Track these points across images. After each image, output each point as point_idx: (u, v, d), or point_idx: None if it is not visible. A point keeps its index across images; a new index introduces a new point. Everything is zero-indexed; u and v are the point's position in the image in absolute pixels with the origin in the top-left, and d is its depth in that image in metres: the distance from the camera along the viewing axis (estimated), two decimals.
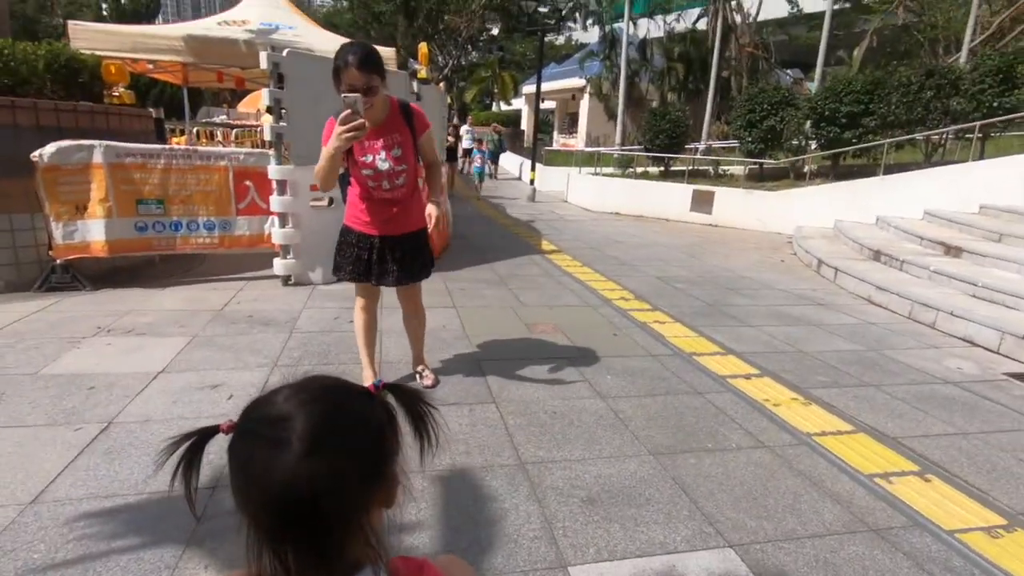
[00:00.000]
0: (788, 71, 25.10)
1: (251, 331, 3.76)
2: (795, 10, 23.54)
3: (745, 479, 2.32)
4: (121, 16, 32.52)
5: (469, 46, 32.70)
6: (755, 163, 11.32)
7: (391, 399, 0.70)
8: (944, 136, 9.37)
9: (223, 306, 4.26)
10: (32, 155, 4.07)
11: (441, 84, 14.65)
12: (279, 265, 4.85)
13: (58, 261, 4.33)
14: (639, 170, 13.26)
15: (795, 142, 10.84)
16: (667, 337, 4.09)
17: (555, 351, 3.70)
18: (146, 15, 35.93)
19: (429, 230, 2.72)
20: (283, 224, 4.80)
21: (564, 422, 2.72)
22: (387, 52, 6.77)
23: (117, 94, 4.93)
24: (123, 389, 2.80)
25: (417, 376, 3.14)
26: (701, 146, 15.10)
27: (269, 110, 4.65)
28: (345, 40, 8.34)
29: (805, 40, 26.40)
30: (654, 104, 23.90)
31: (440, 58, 30.74)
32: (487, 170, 14.74)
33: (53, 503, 1.94)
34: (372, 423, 0.64)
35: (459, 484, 2.19)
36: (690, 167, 12.32)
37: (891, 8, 19.33)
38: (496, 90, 29.43)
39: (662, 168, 13.01)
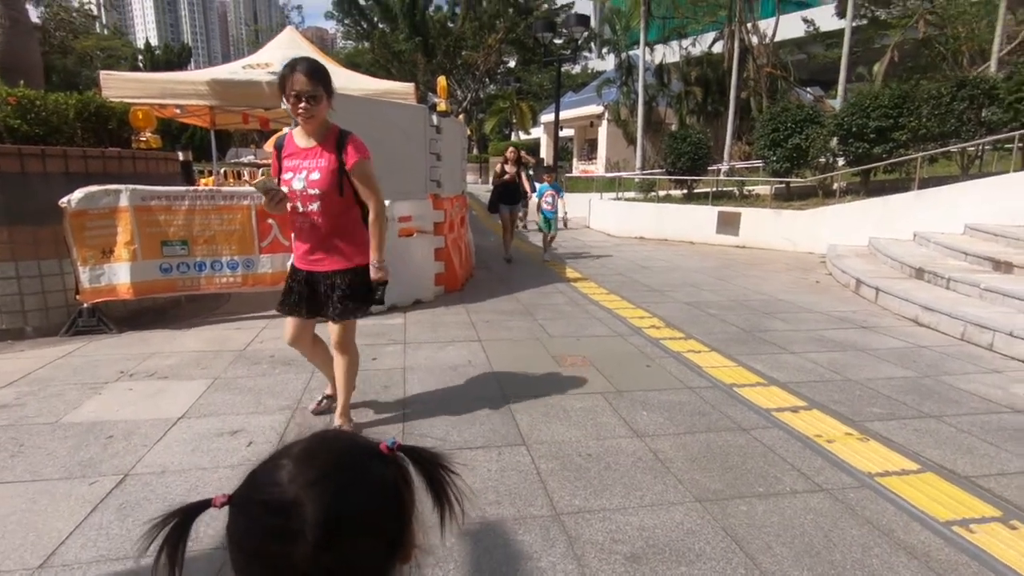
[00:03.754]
0: (808, 89, 24.84)
1: (272, 372, 3.68)
2: (811, 29, 23.48)
3: (805, 529, 2.10)
4: (155, 66, 34.11)
5: (487, 79, 33.39)
6: (781, 182, 11.08)
7: (406, 461, 0.64)
8: (980, 148, 9.04)
9: (245, 346, 4.20)
10: (60, 201, 4.12)
11: (461, 116, 14.75)
12: None
13: (85, 305, 4.35)
14: (662, 193, 13.13)
15: (822, 159, 10.60)
16: (703, 368, 3.88)
17: (586, 385, 3.52)
18: (178, 63, 37.66)
19: (376, 297, 2.73)
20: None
21: (600, 465, 2.53)
22: (406, 87, 6.85)
23: (144, 139, 5.01)
24: (141, 437, 2.72)
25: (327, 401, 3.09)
26: (724, 167, 14.92)
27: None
28: (368, 78, 8.53)
29: (823, 58, 26.24)
30: (673, 127, 23.91)
31: (459, 92, 31.39)
32: (560, 214, 9.08)
33: (61, 567, 1.83)
34: (388, 489, 0.59)
35: (490, 540, 2.02)
36: (714, 188, 12.14)
37: (911, 23, 19.09)
38: (515, 120, 29.80)
39: (685, 191, 12.85)
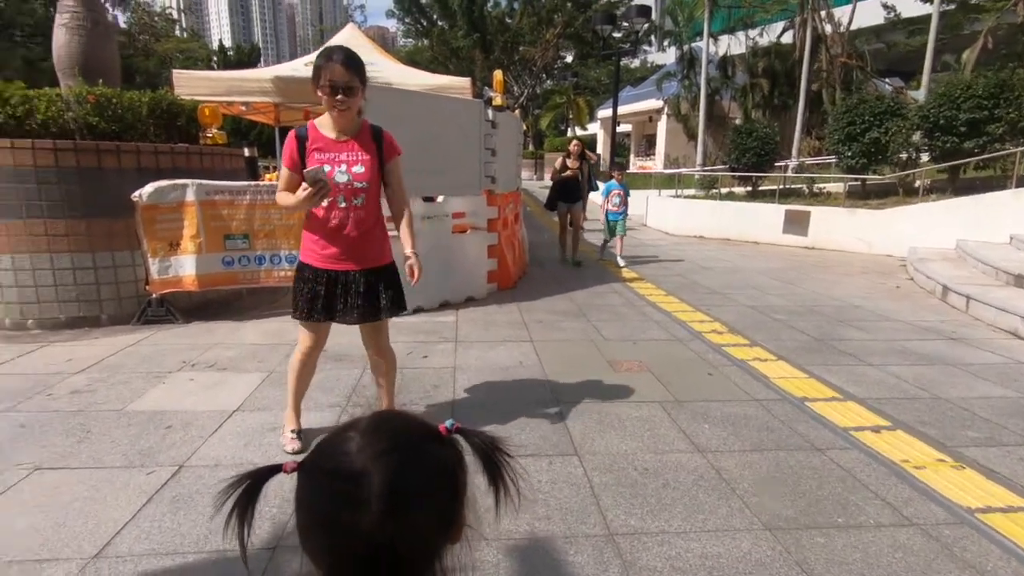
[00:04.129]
0: (886, 80, 23.33)
1: (324, 367, 3.68)
2: (892, 16, 21.98)
3: (894, 569, 1.87)
4: (227, 65, 35.82)
5: (544, 74, 33.15)
6: (856, 179, 10.38)
7: (463, 443, 0.66)
8: None
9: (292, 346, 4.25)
10: (132, 195, 4.29)
11: (517, 111, 14.59)
12: None
13: (154, 295, 4.52)
14: (724, 191, 12.59)
15: (903, 155, 9.85)
16: (771, 378, 3.61)
17: (642, 393, 3.34)
18: (248, 63, 39.42)
19: (413, 284, 2.55)
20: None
21: (658, 482, 2.37)
22: (462, 82, 6.79)
23: (210, 135, 5.17)
24: (198, 429, 2.76)
25: None
26: (792, 163, 14.16)
27: None
28: (424, 73, 8.55)
29: (904, 47, 24.51)
30: (737, 122, 22.94)
31: (516, 88, 31.31)
32: (623, 218, 7.71)
33: (115, 559, 1.85)
34: (446, 470, 0.62)
35: (538, 558, 1.90)
36: (781, 186, 11.52)
37: (1008, 6, 17.52)
38: (571, 116, 29.46)
39: (749, 188, 12.27)
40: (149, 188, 4.35)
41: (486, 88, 5.77)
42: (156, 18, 36.73)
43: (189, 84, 6.21)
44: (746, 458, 2.59)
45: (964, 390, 3.48)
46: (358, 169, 2.37)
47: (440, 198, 5.37)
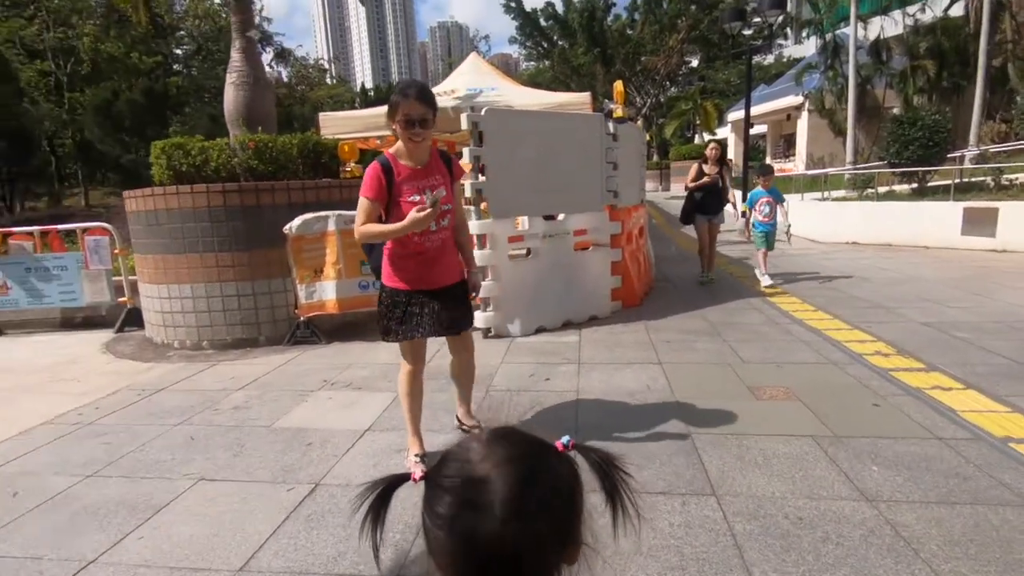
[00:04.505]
0: None
1: (449, 387, 3.73)
2: None
3: None
4: (368, 105, 39.41)
5: (667, 82, 32.15)
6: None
7: (580, 459, 0.67)
8: None
9: (427, 360, 4.38)
10: (284, 228, 4.75)
11: (639, 121, 14.15)
12: (480, 318, 4.90)
13: (302, 318, 4.96)
14: (882, 190, 11.12)
15: None
16: (959, 411, 3.01)
17: (791, 425, 2.94)
18: (386, 100, 42.97)
19: (476, 299, 2.89)
20: (483, 277, 4.86)
21: (816, 535, 2.03)
22: (582, 98, 6.72)
23: (349, 169, 5.62)
24: (333, 447, 2.92)
25: (475, 431, 2.75)
26: (971, 152, 12.15)
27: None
28: (545, 92, 8.65)
29: None
30: (895, 111, 20.31)
31: (638, 98, 30.69)
32: (785, 227, 6.66)
33: (256, 573, 1.96)
34: (565, 485, 0.63)
35: None
36: (956, 180, 9.90)
37: None
38: (698, 121, 28.14)
39: (915, 185, 10.71)
40: (297, 221, 4.79)
41: (606, 101, 5.63)
42: (310, 69, 41.55)
43: (332, 124, 6.84)
44: (931, 512, 2.14)
45: None
46: (441, 193, 2.49)
47: (561, 216, 5.31)
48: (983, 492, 2.26)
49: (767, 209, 6.62)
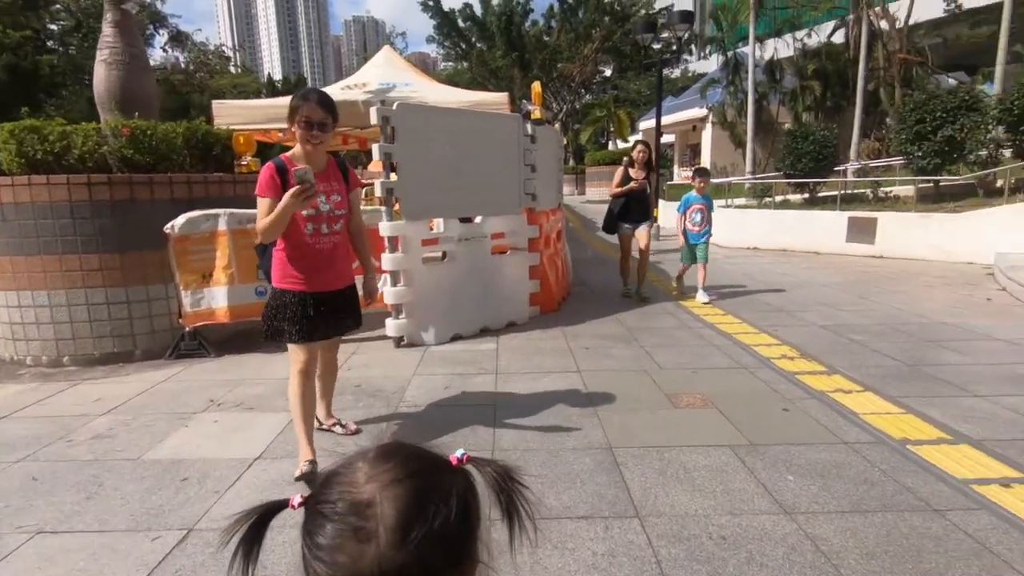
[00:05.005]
0: (949, 75, 21.98)
1: (356, 404, 3.43)
2: (952, 7, 20.80)
3: None
4: (275, 96, 37.24)
5: (582, 90, 32.95)
6: (929, 181, 9.56)
7: (474, 472, 0.63)
8: None
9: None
10: (165, 227, 4.20)
11: (557, 125, 14.30)
12: (391, 326, 4.59)
13: (187, 329, 4.41)
14: (778, 199, 11.89)
15: (982, 153, 9.00)
16: (860, 414, 3.12)
17: (710, 434, 2.91)
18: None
19: (371, 305, 3.09)
20: (395, 282, 4.55)
21: (740, 556, 1.95)
22: (500, 97, 6.57)
23: (245, 163, 5.09)
24: (215, 482, 2.52)
25: (338, 428, 3.03)
26: (850, 167, 13.30)
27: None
28: (461, 90, 8.42)
29: (967, 39, 23.07)
30: (787, 126, 21.95)
31: (555, 104, 31.20)
32: (706, 239, 6.17)
33: None
34: (459, 503, 0.58)
35: None
36: (842, 191, 10.76)
37: None
38: (612, 129, 29.05)
39: (806, 195, 11.53)
40: (181, 219, 4.25)
41: (524, 101, 5.50)
42: (210, 56, 38.66)
43: (228, 113, 6.22)
44: (846, 522, 2.13)
45: None
46: (336, 198, 2.60)
47: (478, 218, 5.10)
48: (890, 498, 2.29)
49: (698, 217, 6.02)
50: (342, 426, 3.04)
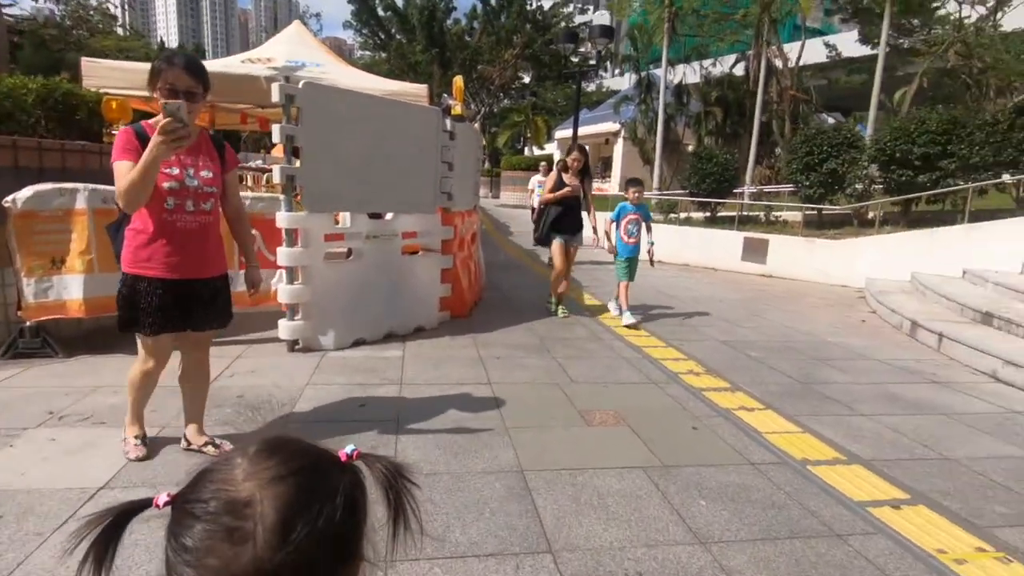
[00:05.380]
0: (830, 116, 24.34)
1: (236, 419, 3.00)
2: (833, 55, 23.11)
3: None
4: None
5: (501, 93, 33.06)
6: (814, 209, 10.41)
7: (363, 469, 0.61)
8: None
9: (212, 380, 3.53)
10: (4, 200, 3.49)
11: (476, 124, 14.10)
12: (285, 328, 4.14)
13: (28, 323, 3.70)
14: (683, 216, 12.47)
15: (859, 186, 9.94)
16: (763, 433, 3.17)
17: (623, 455, 2.82)
18: None
19: (249, 299, 2.75)
20: (291, 279, 4.11)
21: None
22: (418, 89, 6.26)
23: (116, 132, 4.41)
24: (38, 520, 2.04)
25: (210, 448, 2.60)
26: (746, 190, 14.28)
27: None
28: (376, 78, 7.97)
29: (844, 84, 25.76)
30: (690, 148, 23.26)
31: (473, 105, 31.02)
32: (648, 244, 5.77)
33: None
34: (345, 501, 0.55)
35: None
36: (739, 213, 11.47)
37: (941, 50, 18.57)
38: (529, 135, 29.37)
39: (708, 214, 12.19)
40: (26, 192, 3.56)
41: (444, 95, 5.24)
42: (91, 12, 34.55)
43: (100, 74, 5.40)
44: (758, 551, 2.09)
45: (970, 447, 3.13)
46: (206, 174, 2.33)
47: (389, 215, 4.77)
48: (797, 523, 2.30)
49: (634, 229, 5.57)
50: (215, 446, 2.62)
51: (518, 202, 21.97)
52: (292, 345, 4.20)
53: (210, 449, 2.61)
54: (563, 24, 30.19)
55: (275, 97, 3.84)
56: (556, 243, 5.59)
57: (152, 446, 2.60)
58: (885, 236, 8.88)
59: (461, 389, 3.64)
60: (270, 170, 15.75)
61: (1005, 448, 3.16)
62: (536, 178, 11.51)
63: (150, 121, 2.24)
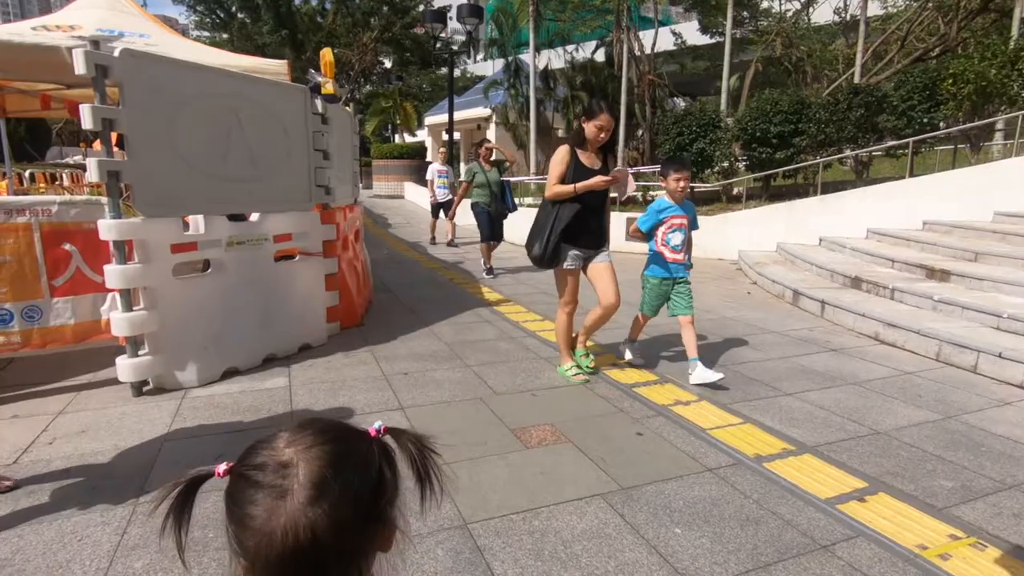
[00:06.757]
0: (681, 99, 26.13)
1: (66, 509, 2.17)
2: (679, 42, 24.79)
3: None
4: None
5: (362, 79, 31.30)
6: (689, 187, 10.89)
7: (391, 442, 0.68)
8: (870, 154, 9.38)
9: (18, 454, 2.59)
10: None
11: (349, 106, 12.91)
12: (126, 368, 3.21)
13: None
14: None
15: (725, 164, 10.54)
16: (706, 429, 2.98)
17: (574, 481, 2.45)
18: None
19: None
20: (128, 305, 3.20)
21: None
22: (278, 65, 5.36)
23: None
24: None
25: None
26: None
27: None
28: (223, 52, 6.79)
29: (691, 70, 27.85)
30: (560, 133, 23.70)
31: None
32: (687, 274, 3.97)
33: None
34: (373, 468, 0.63)
35: None
36: (616, 194, 11.71)
37: (770, 39, 20.55)
38: (399, 121, 28.13)
39: None
40: None
41: (312, 71, 4.46)
42: None
43: None
44: None
45: (891, 418, 3.19)
46: None
47: (254, 216, 3.95)
48: (779, 539, 2.07)
49: (679, 238, 3.75)
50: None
51: (391, 192, 20.96)
52: (139, 388, 3.30)
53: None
54: (420, 7, 29.20)
55: (80, 68, 2.91)
56: (569, 267, 3.61)
57: None
58: (751, 210, 9.48)
59: (369, 419, 3.03)
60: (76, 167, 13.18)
61: (918, 413, 3.26)
62: (436, 166, 10.13)
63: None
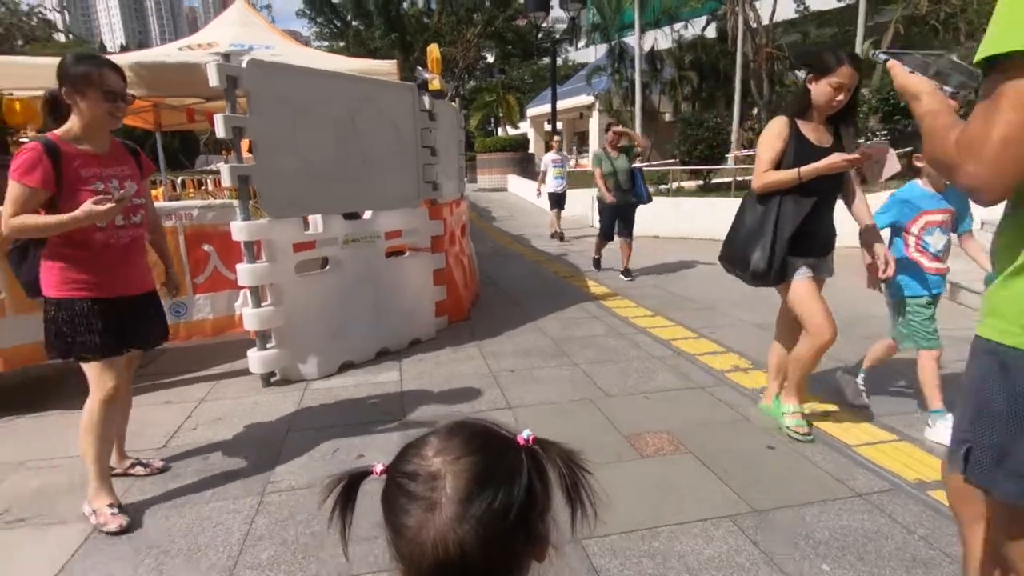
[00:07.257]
0: (802, 71, 23.84)
1: (204, 492, 2.33)
2: (801, 8, 22.62)
3: None
4: None
5: (466, 75, 31.99)
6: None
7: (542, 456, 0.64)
8: None
9: (168, 438, 2.85)
10: None
11: (456, 101, 13.15)
12: (256, 360, 3.44)
13: None
14: (674, 186, 11.89)
15: (861, 140, 9.43)
16: (853, 447, 2.60)
17: (699, 500, 2.22)
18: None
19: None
20: (257, 302, 3.41)
21: None
22: (388, 65, 5.52)
23: (27, 140, 3.63)
24: None
25: (139, 468, 2.46)
26: (742, 154, 13.75)
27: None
28: (337, 56, 7.16)
29: (815, 38, 25.37)
30: (667, 116, 22.66)
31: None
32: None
33: None
34: (522, 481, 0.60)
35: None
36: (735, 178, 10.93)
37: None
38: (501, 114, 28.46)
39: (701, 182, 11.63)
40: None
41: (419, 68, 4.51)
42: (23, 18, 32.45)
43: (6, 73, 4.54)
44: None
45: None
46: (132, 185, 2.11)
47: (367, 214, 4.07)
48: None
49: (939, 241, 2.71)
50: (143, 465, 2.47)
51: (495, 185, 21.22)
52: (267, 379, 3.52)
53: (138, 469, 2.45)
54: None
55: (213, 81, 3.11)
56: (802, 281, 2.64)
57: (90, 556, 1.93)
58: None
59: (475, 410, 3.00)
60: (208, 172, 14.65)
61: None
62: (550, 156, 9.68)
63: (57, 132, 2.02)
